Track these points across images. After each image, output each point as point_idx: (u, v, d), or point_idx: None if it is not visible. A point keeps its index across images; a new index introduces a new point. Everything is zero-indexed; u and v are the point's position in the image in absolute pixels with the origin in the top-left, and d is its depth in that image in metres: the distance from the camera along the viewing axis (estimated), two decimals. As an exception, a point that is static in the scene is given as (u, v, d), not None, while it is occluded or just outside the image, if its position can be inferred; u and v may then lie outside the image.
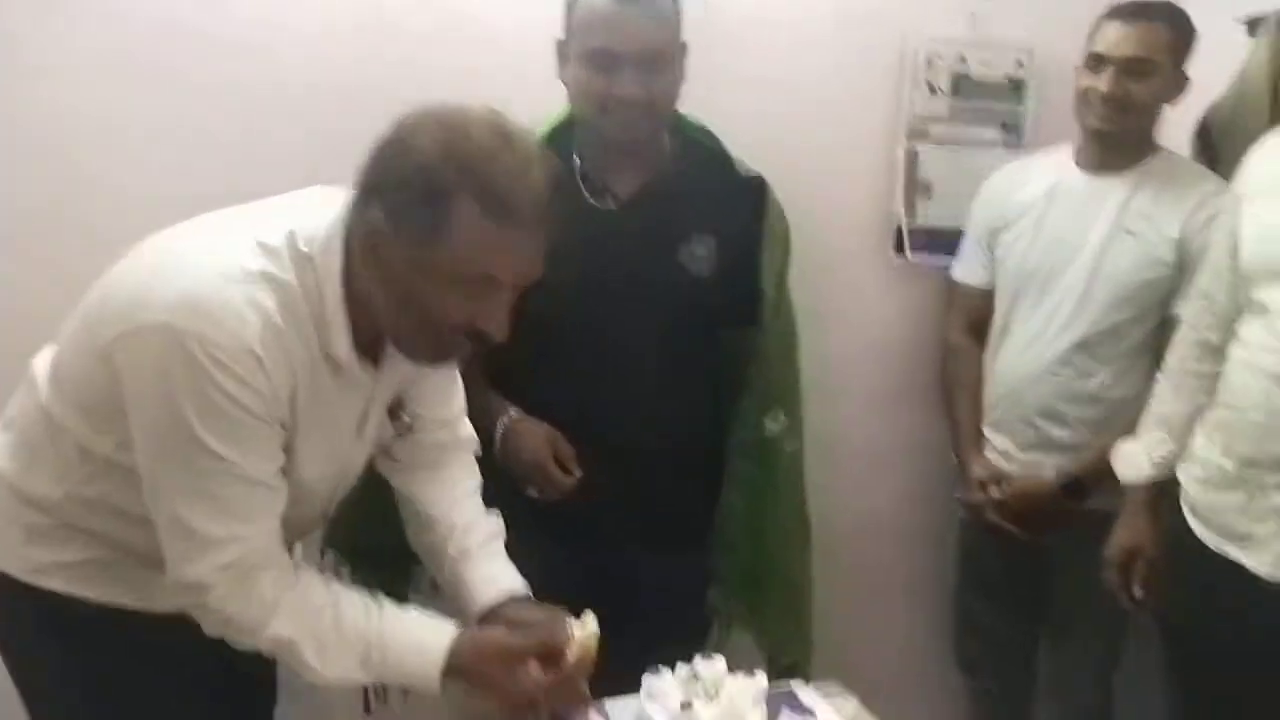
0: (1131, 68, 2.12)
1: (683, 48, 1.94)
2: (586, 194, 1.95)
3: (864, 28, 2.45)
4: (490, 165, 1.29)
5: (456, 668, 1.46)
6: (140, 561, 1.46)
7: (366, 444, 1.59)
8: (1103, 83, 2.13)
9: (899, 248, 2.54)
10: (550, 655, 1.49)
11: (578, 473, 1.89)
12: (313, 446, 1.45)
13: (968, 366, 2.40)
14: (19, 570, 1.48)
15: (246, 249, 1.35)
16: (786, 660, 2.14)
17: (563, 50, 1.93)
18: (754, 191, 2.05)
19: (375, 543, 1.94)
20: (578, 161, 1.96)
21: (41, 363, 1.50)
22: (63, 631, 1.49)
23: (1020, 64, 2.52)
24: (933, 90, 2.50)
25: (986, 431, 2.35)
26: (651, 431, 1.95)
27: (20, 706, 1.56)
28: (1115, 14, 2.17)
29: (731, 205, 2.02)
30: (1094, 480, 2.16)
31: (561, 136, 1.97)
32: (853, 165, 2.51)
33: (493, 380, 1.98)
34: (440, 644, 1.46)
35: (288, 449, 1.42)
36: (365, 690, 2.04)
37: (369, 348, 1.45)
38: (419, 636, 1.47)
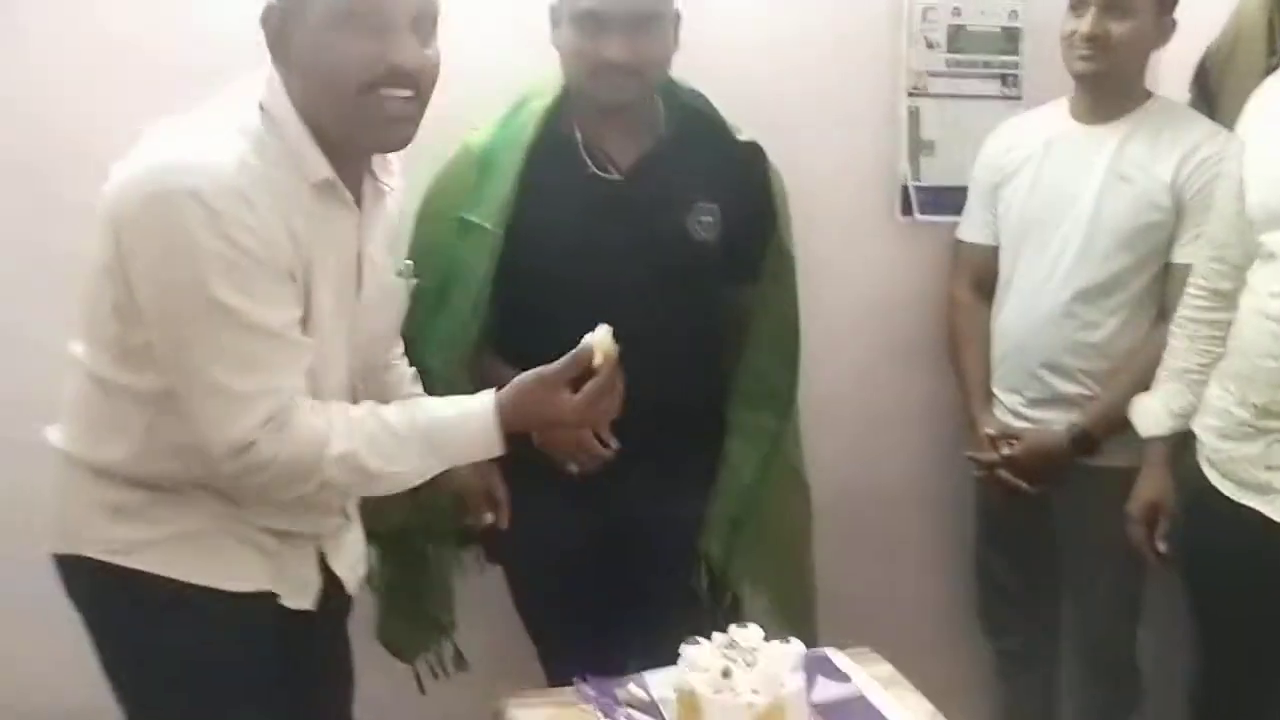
0: (1111, 5, 2.12)
1: (676, 16, 1.96)
2: (589, 164, 1.97)
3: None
4: None
5: (508, 419, 1.53)
6: (227, 528, 1.51)
7: (374, 300, 1.61)
8: (1084, 24, 2.14)
9: (906, 208, 2.54)
10: (580, 376, 1.57)
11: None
12: (325, 294, 1.48)
13: (974, 323, 2.41)
14: (105, 553, 1.50)
15: (208, 118, 1.42)
16: (786, 607, 2.18)
17: (555, 14, 1.95)
18: (752, 156, 2.08)
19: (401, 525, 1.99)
20: (578, 134, 1.98)
21: (75, 343, 1.54)
22: (149, 612, 1.52)
23: (1014, 14, 2.51)
24: (930, 45, 2.49)
25: (994, 390, 2.36)
26: (663, 392, 1.94)
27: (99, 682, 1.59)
28: None
29: (732, 171, 2.05)
30: (1103, 432, 2.18)
31: (562, 108, 1.99)
32: (854, 125, 2.49)
33: (510, 360, 1.99)
34: (486, 404, 1.53)
35: (306, 299, 1.45)
36: (417, 674, 2.11)
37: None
38: (464, 408, 1.54)
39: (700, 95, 2.09)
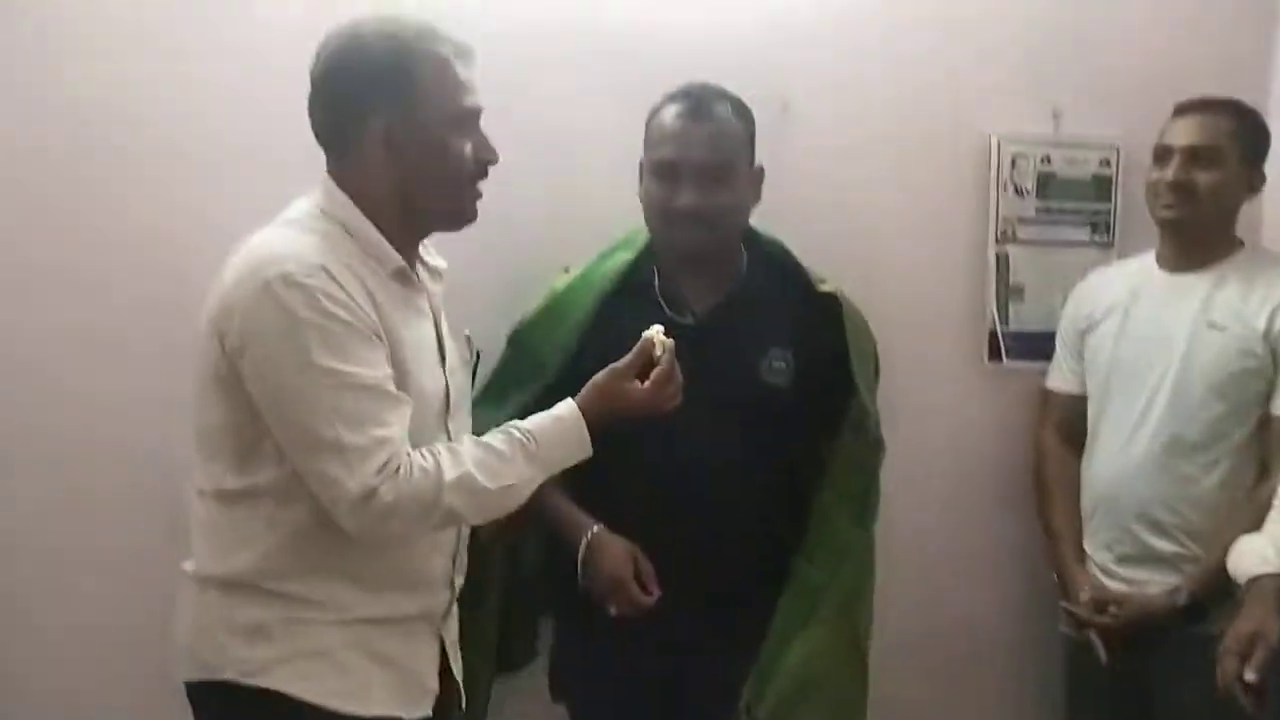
0: (1196, 155, 2.14)
1: (757, 170, 2.00)
2: (664, 308, 1.98)
3: (946, 131, 2.44)
4: (417, 27, 1.61)
5: (591, 414, 1.67)
6: (354, 639, 1.58)
7: (456, 367, 1.75)
8: (1169, 173, 2.15)
9: (994, 353, 2.50)
10: (645, 367, 1.72)
11: (657, 592, 1.89)
12: (417, 356, 1.63)
13: (1062, 470, 2.34)
14: (239, 674, 1.56)
15: (274, 230, 1.59)
16: None
17: (641, 169, 2.01)
18: (830, 307, 2.05)
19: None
20: (656, 279, 2.01)
21: (196, 475, 1.63)
22: None
23: (1107, 162, 2.49)
24: (1019, 192, 2.48)
25: (1084, 545, 2.27)
26: (727, 542, 1.96)
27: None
28: (1181, 109, 2.21)
29: (808, 319, 2.03)
30: (1212, 599, 2.06)
31: (646, 256, 2.04)
32: (942, 269, 2.48)
33: (572, 493, 1.98)
34: (570, 406, 1.69)
35: (397, 364, 1.58)
36: None
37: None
38: (552, 415, 1.68)
39: (780, 245, 2.10)
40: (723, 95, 1.98)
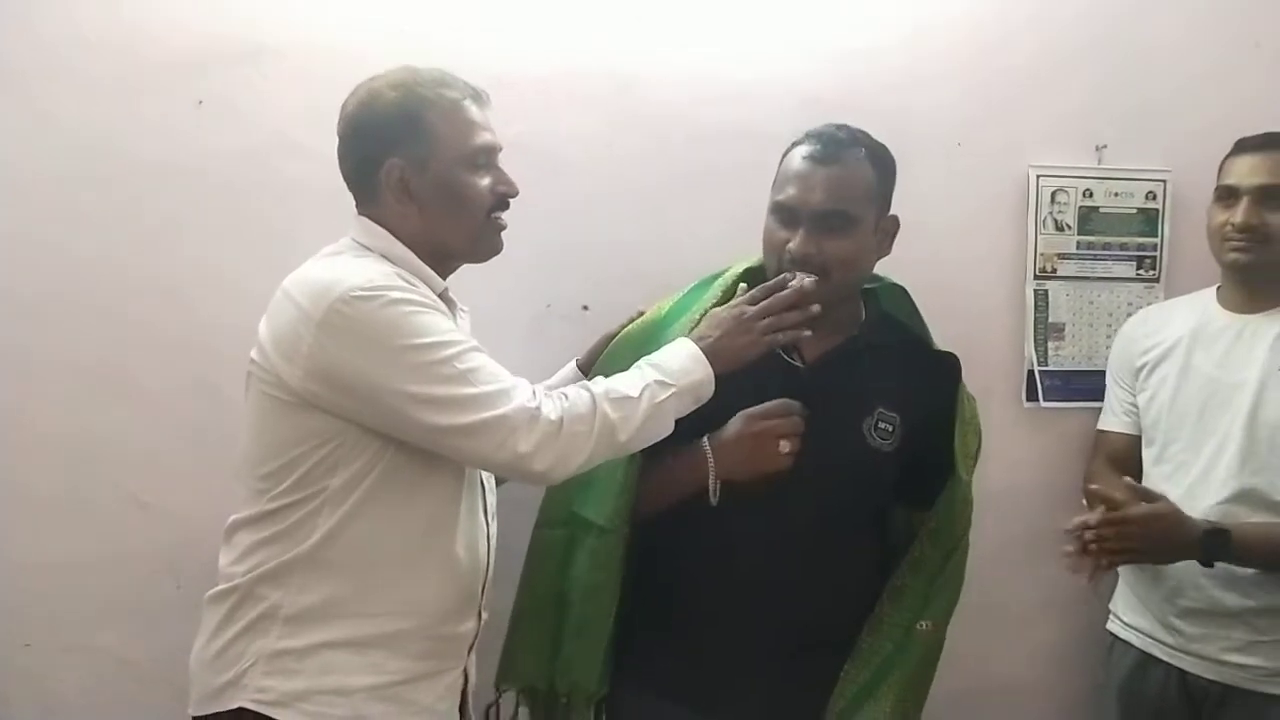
0: (1266, 195, 2.04)
1: (889, 222, 1.90)
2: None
3: (984, 164, 2.36)
4: (428, 76, 1.68)
5: (700, 335, 1.73)
6: (380, 689, 1.59)
7: None
8: (1237, 214, 2.05)
9: (1031, 394, 2.41)
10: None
11: (797, 406, 1.81)
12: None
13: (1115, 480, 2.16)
14: (257, 703, 1.56)
15: (321, 261, 1.64)
16: None
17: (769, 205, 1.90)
18: (945, 370, 1.96)
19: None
20: None
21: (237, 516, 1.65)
22: None
23: (1153, 195, 2.40)
24: (1059, 226, 2.38)
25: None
26: (806, 602, 1.84)
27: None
28: (1243, 147, 2.11)
29: (920, 381, 1.93)
30: (1242, 550, 1.94)
31: (753, 279, 1.89)
32: (977, 307, 2.39)
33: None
34: (686, 340, 1.73)
35: None
36: None
37: None
38: (673, 345, 1.72)
39: (903, 294, 2.01)
40: (858, 141, 1.86)
